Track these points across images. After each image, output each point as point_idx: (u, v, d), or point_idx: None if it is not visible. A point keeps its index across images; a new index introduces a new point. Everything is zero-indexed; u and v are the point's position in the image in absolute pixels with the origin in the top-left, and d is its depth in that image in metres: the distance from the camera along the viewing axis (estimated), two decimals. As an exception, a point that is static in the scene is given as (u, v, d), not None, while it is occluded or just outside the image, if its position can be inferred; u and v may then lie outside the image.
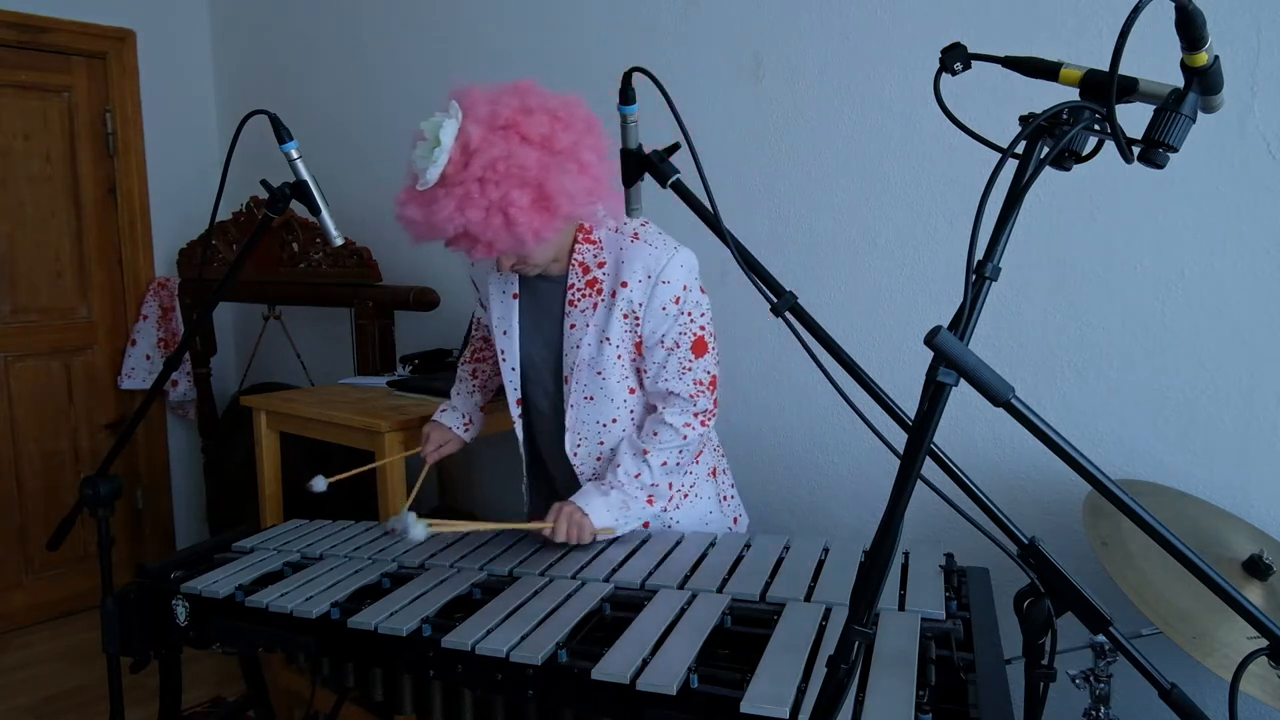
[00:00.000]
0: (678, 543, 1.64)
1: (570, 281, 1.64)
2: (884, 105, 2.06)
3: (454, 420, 1.92)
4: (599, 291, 1.63)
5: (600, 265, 1.63)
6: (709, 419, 1.68)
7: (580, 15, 2.63)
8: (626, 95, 1.19)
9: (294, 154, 1.49)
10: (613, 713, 1.17)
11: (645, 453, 1.65)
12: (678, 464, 1.69)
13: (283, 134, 1.48)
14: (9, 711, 2.84)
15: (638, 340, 1.65)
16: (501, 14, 2.84)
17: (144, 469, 3.82)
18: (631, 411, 1.71)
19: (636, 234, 1.63)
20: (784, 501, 2.33)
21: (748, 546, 1.62)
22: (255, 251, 1.67)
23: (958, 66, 0.96)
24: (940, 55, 0.96)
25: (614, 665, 1.17)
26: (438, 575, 1.55)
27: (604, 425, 1.70)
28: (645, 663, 1.17)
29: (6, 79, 3.36)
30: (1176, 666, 1.60)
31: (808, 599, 1.36)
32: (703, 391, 1.65)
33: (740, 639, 1.29)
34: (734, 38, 2.29)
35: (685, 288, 1.61)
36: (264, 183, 1.54)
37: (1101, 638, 0.88)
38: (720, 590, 1.41)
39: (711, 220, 1.08)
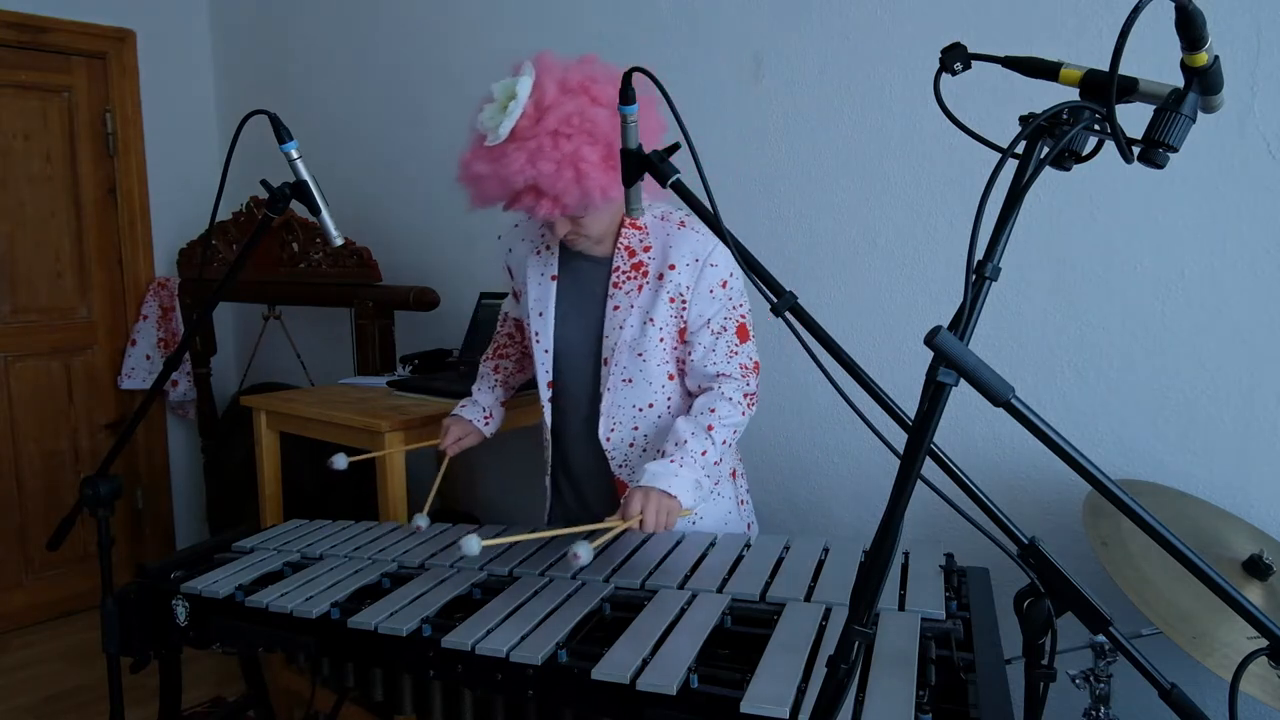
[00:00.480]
0: (678, 543, 1.64)
1: (615, 265, 1.66)
2: (884, 105, 2.06)
3: (474, 413, 1.92)
4: (644, 274, 1.64)
5: (646, 249, 1.65)
6: (754, 403, 1.68)
7: (580, 16, 2.63)
8: (626, 95, 1.19)
9: (294, 154, 1.49)
10: (613, 713, 1.17)
11: (710, 429, 1.60)
12: (730, 446, 1.68)
13: (283, 134, 1.48)
14: (9, 711, 2.84)
15: (682, 326, 1.66)
16: (501, 14, 2.84)
17: (144, 469, 3.82)
18: (669, 398, 1.71)
19: (683, 221, 1.66)
20: (784, 501, 2.33)
21: (748, 546, 1.61)
22: (255, 251, 1.67)
23: (958, 66, 0.96)
24: (940, 55, 0.96)
25: (614, 665, 1.17)
26: (438, 575, 1.55)
27: (640, 410, 1.70)
28: (645, 663, 1.17)
29: (6, 79, 3.36)
30: (1176, 666, 1.60)
31: (808, 599, 1.36)
32: (750, 374, 1.67)
33: (740, 639, 1.29)
34: (734, 38, 2.29)
35: (731, 273, 1.64)
36: (264, 183, 1.54)
37: (1101, 638, 0.88)
38: (720, 590, 1.41)
39: (711, 220, 1.08)
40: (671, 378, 1.70)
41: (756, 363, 1.68)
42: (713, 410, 1.62)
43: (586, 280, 1.71)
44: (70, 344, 3.62)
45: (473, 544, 1.33)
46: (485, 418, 1.92)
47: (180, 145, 3.82)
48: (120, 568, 3.57)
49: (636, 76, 1.14)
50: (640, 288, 1.64)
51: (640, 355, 1.66)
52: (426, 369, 2.70)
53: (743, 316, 1.67)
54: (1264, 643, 0.78)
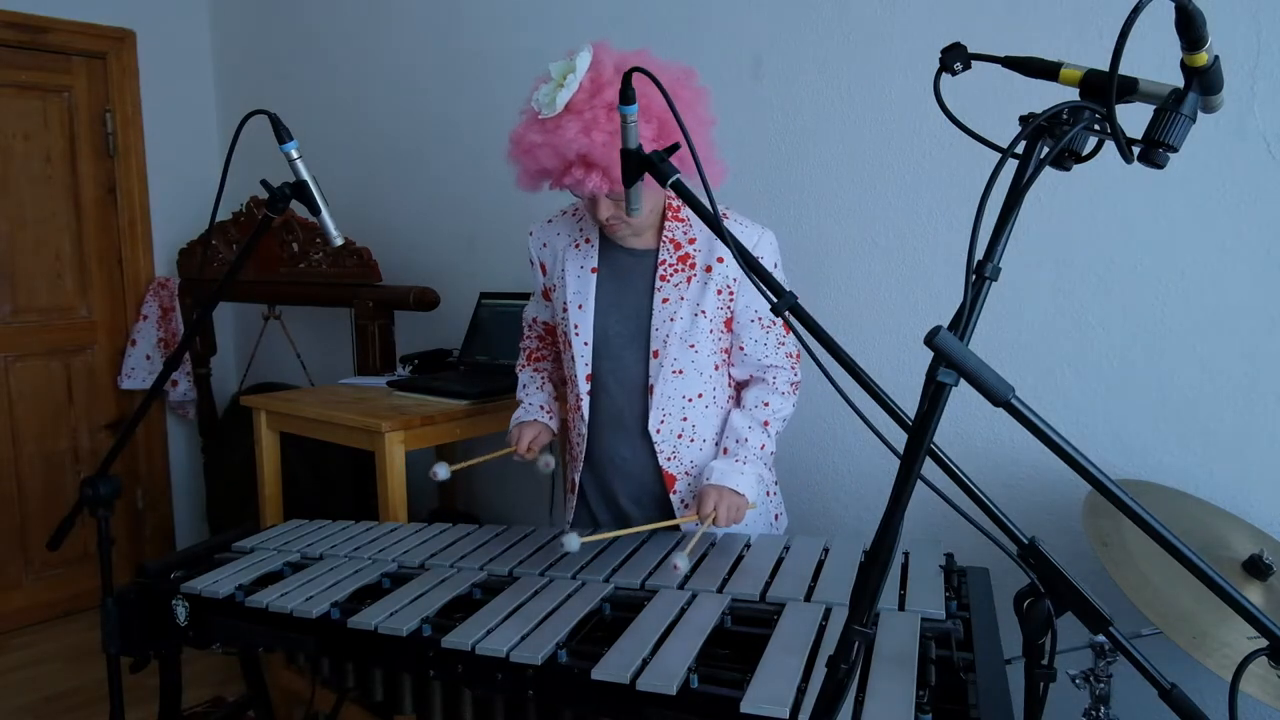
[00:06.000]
0: (677, 543, 1.64)
1: (662, 258, 1.68)
2: (884, 105, 2.06)
3: (535, 413, 1.85)
4: (692, 266, 1.67)
5: (691, 241, 1.68)
6: (799, 389, 1.74)
7: (581, 16, 2.63)
8: (626, 95, 1.19)
9: (294, 154, 1.49)
10: (613, 713, 1.17)
11: (766, 424, 1.70)
12: (779, 436, 1.75)
13: (283, 134, 1.48)
14: (9, 711, 2.84)
15: (728, 316, 1.70)
16: (502, 14, 2.84)
17: (144, 469, 3.82)
18: (714, 388, 1.73)
19: (725, 213, 1.66)
20: (784, 501, 2.32)
21: (747, 546, 1.62)
22: (255, 251, 1.67)
23: (958, 66, 0.96)
24: (940, 55, 0.96)
25: (614, 665, 1.17)
26: (438, 575, 1.55)
27: (689, 400, 1.71)
28: (645, 663, 1.17)
29: (6, 79, 3.37)
30: (1176, 666, 1.60)
31: (808, 599, 1.36)
32: (794, 364, 1.72)
33: (740, 639, 1.29)
34: (734, 38, 2.29)
35: (775, 265, 1.70)
36: (264, 183, 1.54)
37: (1101, 638, 0.88)
38: (720, 590, 1.41)
39: (711, 220, 1.08)
40: (718, 368, 1.73)
41: (799, 351, 1.72)
42: (766, 404, 1.71)
43: (628, 273, 1.72)
44: (70, 344, 3.62)
45: (573, 541, 1.43)
46: (547, 413, 1.86)
47: (180, 145, 3.82)
48: (120, 568, 3.57)
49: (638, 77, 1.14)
50: (689, 280, 1.67)
51: (692, 346, 1.68)
52: (426, 369, 2.70)
53: None
54: (1264, 643, 0.78)
